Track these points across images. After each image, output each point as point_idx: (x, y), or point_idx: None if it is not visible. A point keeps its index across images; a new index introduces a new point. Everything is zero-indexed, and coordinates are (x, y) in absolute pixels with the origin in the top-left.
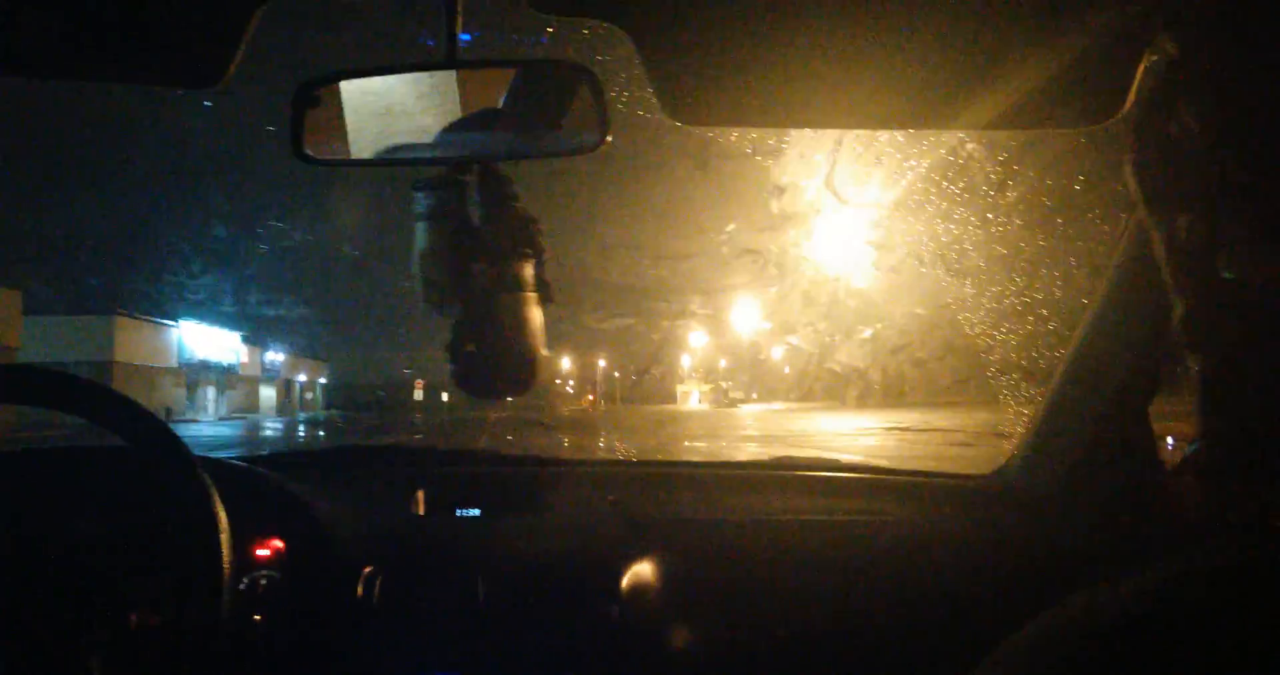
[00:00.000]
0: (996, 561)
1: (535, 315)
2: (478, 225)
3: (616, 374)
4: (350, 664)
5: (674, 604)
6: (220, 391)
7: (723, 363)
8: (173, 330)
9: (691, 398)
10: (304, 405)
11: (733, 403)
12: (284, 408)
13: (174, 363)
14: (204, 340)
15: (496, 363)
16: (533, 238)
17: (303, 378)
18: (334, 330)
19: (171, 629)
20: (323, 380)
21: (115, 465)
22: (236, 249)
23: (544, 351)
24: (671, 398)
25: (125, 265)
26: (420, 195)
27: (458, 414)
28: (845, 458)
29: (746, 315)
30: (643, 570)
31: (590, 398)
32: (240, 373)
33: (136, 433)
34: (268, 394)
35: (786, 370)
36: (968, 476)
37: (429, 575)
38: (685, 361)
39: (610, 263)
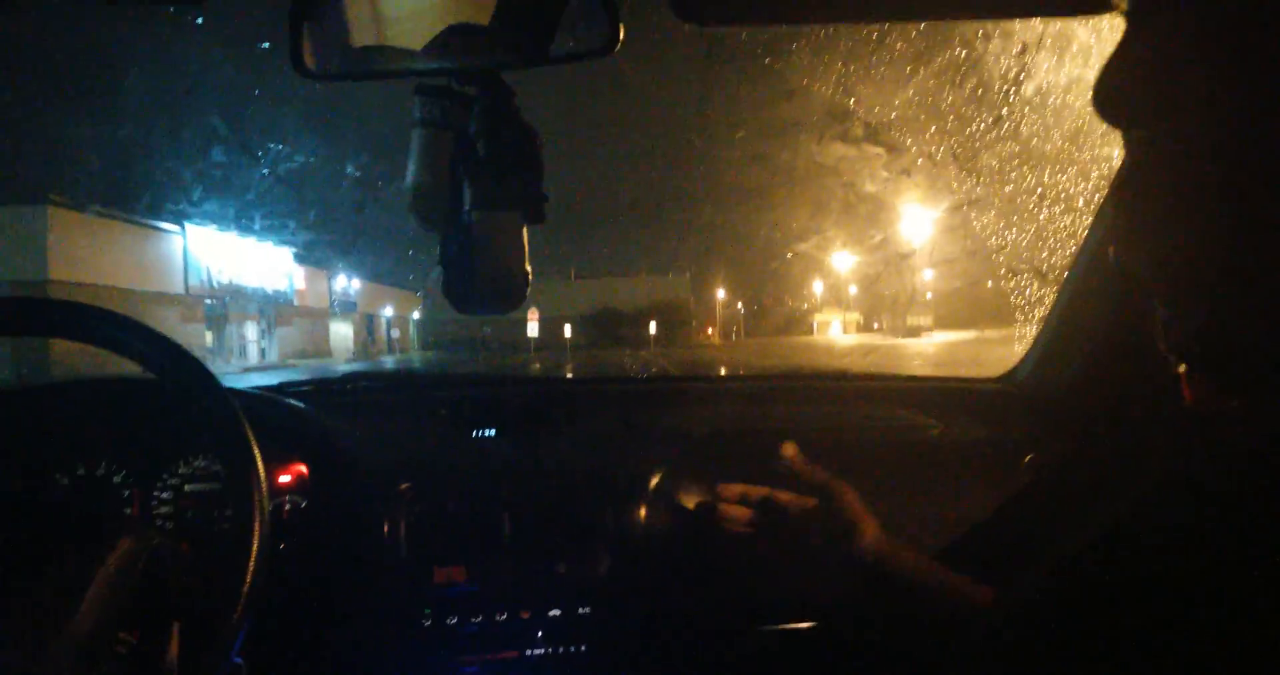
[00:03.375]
0: (1009, 462)
1: (525, 231)
2: (477, 137)
3: (740, 306)
4: (373, 585)
5: (688, 517)
6: (267, 330)
7: (853, 289)
8: (173, 238)
9: (832, 327)
10: (392, 346)
11: (914, 331)
12: (365, 350)
13: (179, 288)
14: (230, 257)
15: (487, 277)
16: (533, 152)
17: (389, 311)
18: (426, 250)
19: (205, 565)
20: (415, 315)
21: (139, 396)
22: (280, 135)
23: (528, 268)
24: (807, 329)
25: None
26: (421, 101)
27: (583, 354)
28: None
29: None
30: (657, 485)
31: (710, 331)
32: (297, 304)
33: (164, 363)
34: (342, 332)
35: (930, 296)
36: (978, 379)
37: (448, 497)
38: (818, 288)
39: (613, 174)
